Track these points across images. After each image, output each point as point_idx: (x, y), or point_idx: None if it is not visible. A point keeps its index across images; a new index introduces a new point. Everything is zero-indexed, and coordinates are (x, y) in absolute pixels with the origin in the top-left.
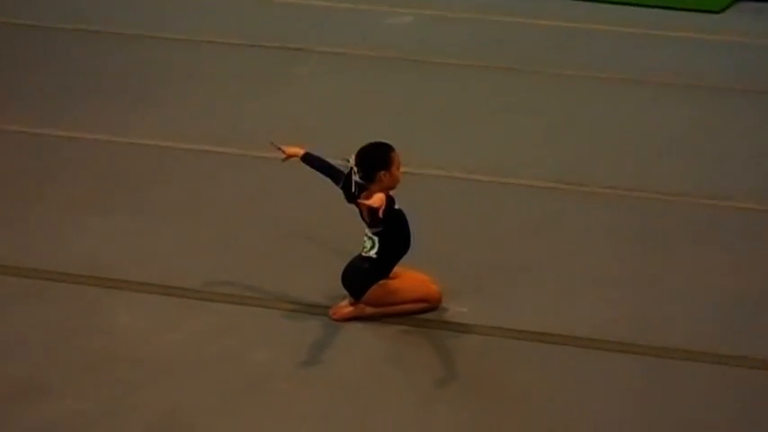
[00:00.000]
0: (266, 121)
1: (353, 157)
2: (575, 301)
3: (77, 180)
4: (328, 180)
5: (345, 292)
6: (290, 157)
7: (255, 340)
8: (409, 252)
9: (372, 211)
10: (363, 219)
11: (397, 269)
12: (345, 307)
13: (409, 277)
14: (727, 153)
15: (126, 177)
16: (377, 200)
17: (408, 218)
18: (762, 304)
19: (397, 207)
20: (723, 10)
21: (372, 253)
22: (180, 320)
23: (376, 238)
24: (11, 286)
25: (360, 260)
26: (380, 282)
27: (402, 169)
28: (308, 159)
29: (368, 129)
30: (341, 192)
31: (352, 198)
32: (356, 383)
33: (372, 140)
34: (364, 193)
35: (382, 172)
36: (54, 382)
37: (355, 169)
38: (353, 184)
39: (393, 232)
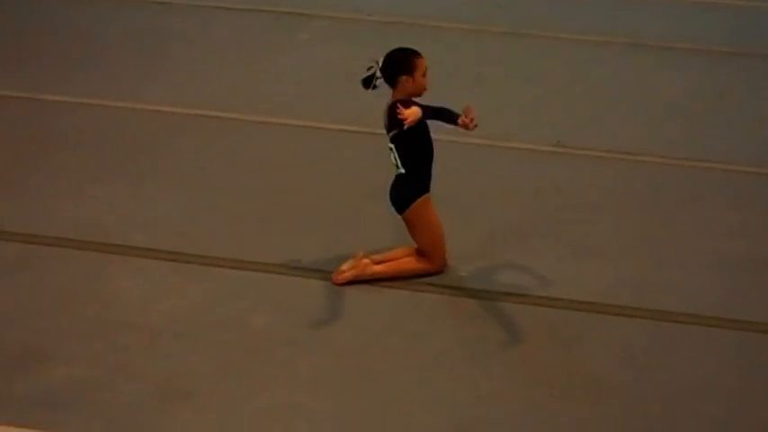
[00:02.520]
0: (268, 86)
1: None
2: (575, 265)
3: (79, 146)
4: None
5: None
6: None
7: (257, 306)
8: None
9: (392, 114)
10: (384, 124)
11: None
12: (347, 271)
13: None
14: (729, 117)
15: (128, 143)
16: (412, 113)
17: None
18: (763, 268)
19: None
20: None
21: (401, 168)
22: (181, 286)
23: (393, 147)
24: (12, 252)
25: (396, 179)
26: (424, 198)
27: None
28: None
29: (368, 93)
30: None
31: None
32: (356, 349)
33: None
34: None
35: (404, 77)
36: (54, 348)
37: (378, 73)
38: (372, 86)
39: (409, 138)
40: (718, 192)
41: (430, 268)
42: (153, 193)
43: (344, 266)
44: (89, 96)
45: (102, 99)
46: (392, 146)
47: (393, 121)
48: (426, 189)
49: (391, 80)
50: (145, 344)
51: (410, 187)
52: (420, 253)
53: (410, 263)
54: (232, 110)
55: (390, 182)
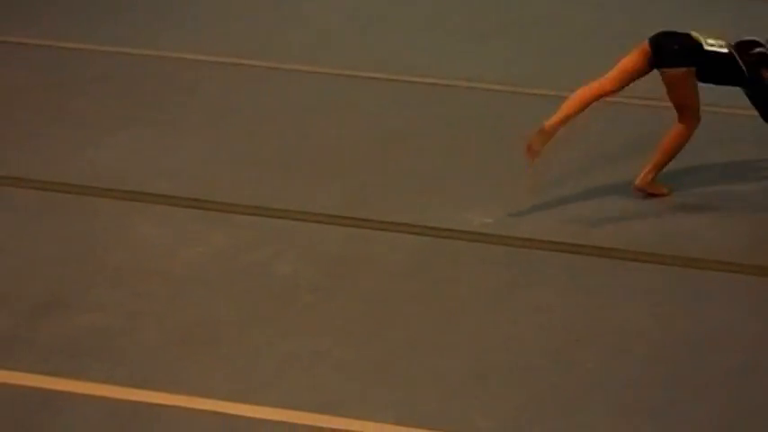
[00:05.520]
0: (291, 32)
1: None
2: (599, 211)
3: (101, 94)
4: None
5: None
6: None
7: (280, 253)
8: (434, 159)
9: None
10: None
11: None
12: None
13: None
14: None
15: (150, 91)
16: None
17: (435, 127)
18: None
19: None
20: None
21: None
22: (205, 234)
23: None
24: (34, 200)
25: None
26: None
27: (426, 80)
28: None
29: (391, 41)
30: None
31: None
32: (380, 295)
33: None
34: None
35: None
36: (77, 295)
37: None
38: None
39: None
40: (746, 137)
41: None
42: (175, 141)
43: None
44: (111, 44)
45: (123, 46)
46: None
47: None
48: None
49: None
50: (168, 291)
51: None
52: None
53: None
54: (254, 57)
55: None
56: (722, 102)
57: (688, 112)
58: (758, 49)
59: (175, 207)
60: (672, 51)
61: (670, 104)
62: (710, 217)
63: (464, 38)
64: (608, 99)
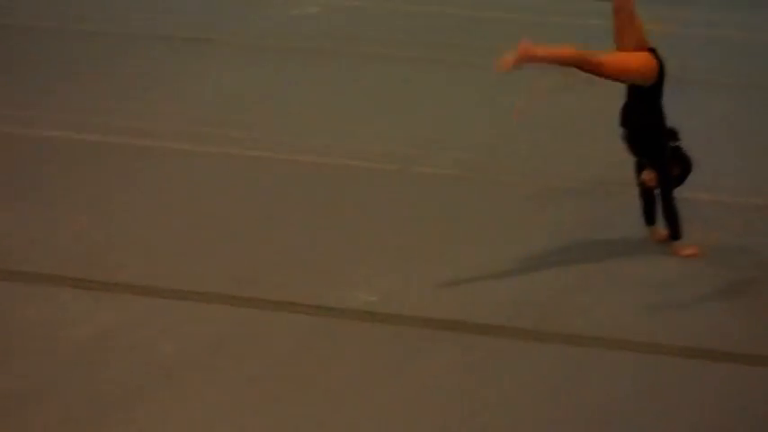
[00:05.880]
0: (175, 113)
1: None
2: (485, 288)
3: None
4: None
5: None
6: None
7: (165, 332)
8: (319, 237)
9: None
10: None
11: None
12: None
13: None
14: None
15: (34, 169)
16: None
17: (316, 207)
18: (673, 290)
19: None
20: None
21: None
22: (90, 313)
23: None
24: None
25: None
26: None
27: (313, 160)
28: None
29: (276, 120)
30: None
31: None
32: (265, 376)
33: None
34: None
35: None
36: None
37: None
38: None
39: None
40: (629, 214)
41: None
42: (59, 219)
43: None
44: None
45: (6, 125)
46: None
47: None
48: None
49: None
50: (52, 372)
51: None
52: None
53: None
54: (139, 136)
55: None
56: (607, 179)
57: None
58: (673, 143)
59: (58, 287)
60: None
61: (557, 184)
62: (595, 293)
63: (346, 117)
64: (487, 176)
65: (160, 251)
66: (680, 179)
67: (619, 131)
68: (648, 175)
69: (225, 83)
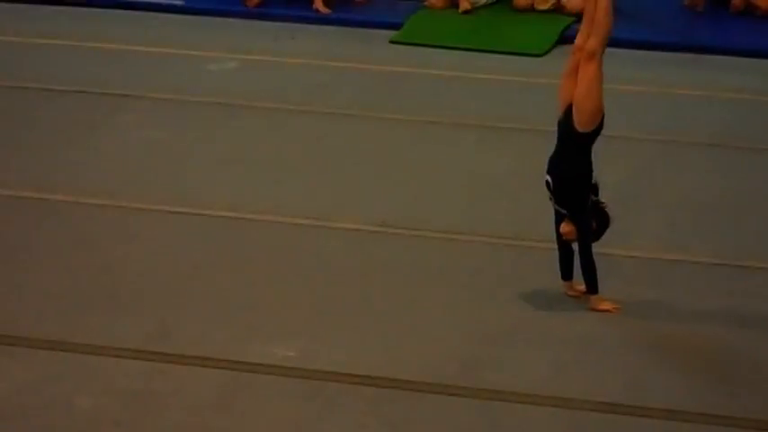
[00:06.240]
0: (90, 168)
1: None
2: (402, 343)
3: None
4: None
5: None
6: None
7: (81, 387)
8: (235, 292)
9: None
10: None
11: None
12: None
13: None
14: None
15: None
16: None
17: (232, 261)
18: (591, 345)
19: None
20: (545, 53)
21: None
22: (5, 368)
23: None
24: None
25: None
26: None
27: (226, 214)
28: None
29: (193, 175)
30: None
31: None
32: (182, 429)
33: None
34: None
35: None
36: None
37: None
38: None
39: None
40: (545, 269)
41: None
42: None
43: None
44: None
45: None
46: None
47: None
48: None
49: None
50: None
51: None
52: None
53: None
54: (57, 191)
55: None
56: (526, 234)
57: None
58: (594, 198)
59: None
60: None
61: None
62: (512, 349)
63: (264, 172)
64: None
65: (73, 306)
66: (597, 234)
67: (543, 180)
68: (566, 227)
69: (142, 138)
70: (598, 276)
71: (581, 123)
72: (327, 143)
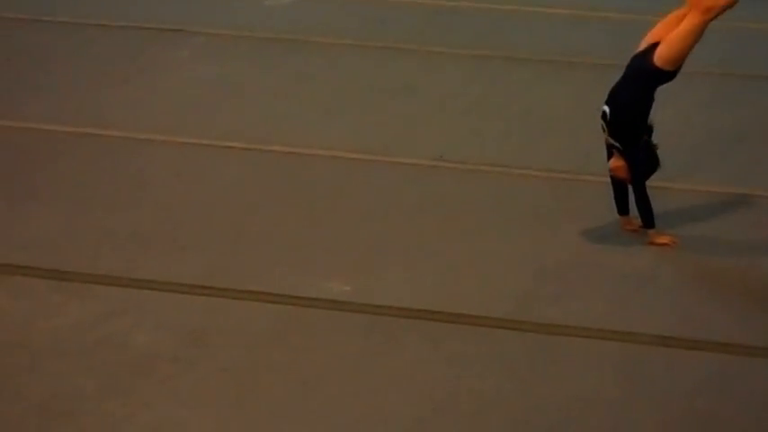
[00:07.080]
0: (149, 103)
1: None
2: (459, 278)
3: None
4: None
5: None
6: None
7: (139, 324)
8: (293, 228)
9: None
10: None
11: None
12: None
13: None
14: None
15: (7, 162)
16: None
17: (290, 197)
18: (648, 280)
19: None
20: None
21: None
22: (63, 305)
23: None
24: None
25: None
26: None
27: (283, 149)
28: None
29: (249, 111)
30: None
31: None
32: (238, 365)
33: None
34: None
35: None
36: None
37: None
38: None
39: None
40: (601, 204)
41: None
42: (33, 212)
43: None
44: None
45: None
46: None
47: None
48: None
49: None
50: (26, 363)
51: None
52: None
53: None
54: (112, 127)
55: None
56: (582, 169)
57: None
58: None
59: (32, 278)
60: None
61: (531, 173)
62: (569, 283)
63: (320, 108)
64: (464, 166)
65: (130, 242)
66: (645, 175)
67: (599, 111)
68: (616, 162)
69: (197, 74)
70: (653, 211)
71: (662, 57)
72: (384, 78)
